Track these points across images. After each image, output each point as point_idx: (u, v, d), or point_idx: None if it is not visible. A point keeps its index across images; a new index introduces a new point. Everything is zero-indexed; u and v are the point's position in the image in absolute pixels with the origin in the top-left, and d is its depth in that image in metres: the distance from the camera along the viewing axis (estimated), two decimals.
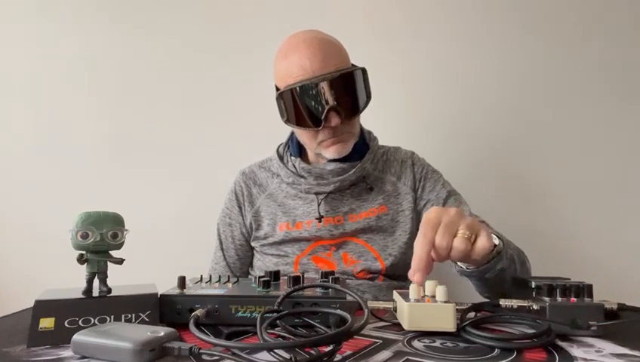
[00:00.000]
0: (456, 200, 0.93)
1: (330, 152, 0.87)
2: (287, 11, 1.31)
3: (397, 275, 0.91)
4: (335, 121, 0.82)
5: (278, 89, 0.88)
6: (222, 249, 1.00)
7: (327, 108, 0.80)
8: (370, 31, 1.31)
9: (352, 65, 0.88)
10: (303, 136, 0.90)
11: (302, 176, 0.92)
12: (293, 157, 0.95)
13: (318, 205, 0.90)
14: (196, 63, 1.34)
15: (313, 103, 0.82)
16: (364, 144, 0.96)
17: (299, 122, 0.85)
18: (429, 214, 0.56)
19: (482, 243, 0.56)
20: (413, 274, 0.53)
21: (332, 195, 0.91)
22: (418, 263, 0.53)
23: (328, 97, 0.80)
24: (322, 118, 0.81)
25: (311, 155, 0.95)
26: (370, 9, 1.31)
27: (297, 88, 0.81)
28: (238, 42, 1.33)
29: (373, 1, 1.31)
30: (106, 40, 1.35)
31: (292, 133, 0.97)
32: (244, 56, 1.32)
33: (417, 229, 0.57)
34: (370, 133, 0.99)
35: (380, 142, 1.00)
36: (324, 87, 0.80)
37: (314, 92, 0.81)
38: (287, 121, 0.87)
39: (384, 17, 1.31)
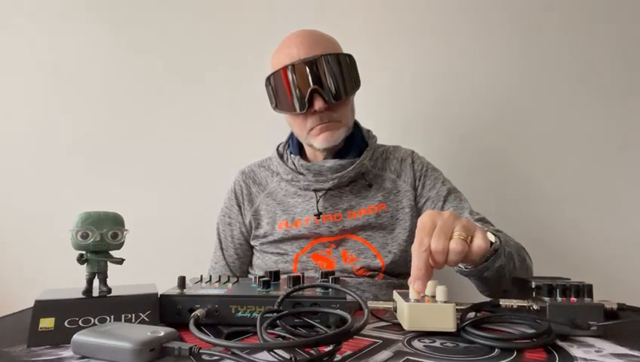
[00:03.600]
0: (457, 198, 0.93)
1: (319, 141, 0.88)
2: (287, 11, 1.31)
3: (397, 273, 0.91)
4: (319, 104, 0.82)
5: None
6: (221, 248, 1.00)
7: (309, 89, 0.82)
8: (370, 30, 1.31)
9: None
10: (294, 126, 0.91)
11: (300, 173, 0.93)
12: (292, 155, 0.96)
13: (317, 202, 0.90)
14: (196, 63, 1.34)
15: (297, 85, 0.83)
16: (363, 141, 0.96)
17: (286, 106, 0.86)
18: (424, 219, 0.56)
19: (478, 243, 0.56)
20: (414, 282, 0.53)
21: (331, 192, 0.91)
22: (417, 273, 0.53)
23: (311, 79, 0.82)
24: (306, 100, 0.82)
25: (309, 152, 0.96)
26: (370, 9, 1.31)
27: (281, 71, 0.84)
28: (238, 41, 1.33)
29: (374, 1, 1.31)
30: (106, 40, 1.35)
31: (292, 132, 0.98)
32: (243, 55, 1.32)
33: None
34: (369, 131, 1.00)
35: (379, 142, 1.00)
36: (307, 69, 0.81)
37: (298, 74, 0.82)
38: (276, 107, 0.89)
39: (383, 17, 1.31)
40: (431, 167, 0.98)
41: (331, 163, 0.90)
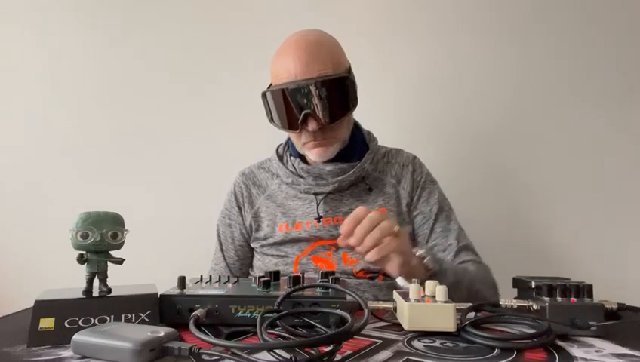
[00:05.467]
0: (447, 218, 0.93)
1: (313, 155, 0.89)
2: (288, 13, 1.31)
3: None
4: (313, 126, 0.83)
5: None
6: (222, 250, 1.00)
7: (303, 113, 0.82)
8: (373, 32, 1.31)
9: (348, 70, 0.87)
10: (290, 136, 0.92)
11: (301, 176, 0.92)
12: (292, 158, 0.95)
13: (317, 206, 0.90)
14: (196, 63, 1.34)
15: (292, 107, 0.83)
16: (363, 144, 0.96)
17: (280, 124, 0.87)
18: (373, 215, 0.67)
19: (391, 266, 0.68)
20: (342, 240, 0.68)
21: (331, 196, 0.91)
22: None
23: (306, 103, 0.82)
24: (299, 122, 0.83)
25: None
26: (373, 10, 1.31)
27: (278, 91, 0.83)
28: (239, 42, 1.33)
29: (377, 4, 1.31)
30: (107, 41, 1.35)
31: None
32: (244, 56, 1.32)
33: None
34: (369, 133, 0.99)
35: (380, 144, 1.00)
36: (303, 92, 0.81)
37: (293, 96, 0.82)
38: (272, 121, 0.89)
39: (386, 19, 1.31)
40: (429, 178, 0.98)
41: (332, 166, 0.90)
